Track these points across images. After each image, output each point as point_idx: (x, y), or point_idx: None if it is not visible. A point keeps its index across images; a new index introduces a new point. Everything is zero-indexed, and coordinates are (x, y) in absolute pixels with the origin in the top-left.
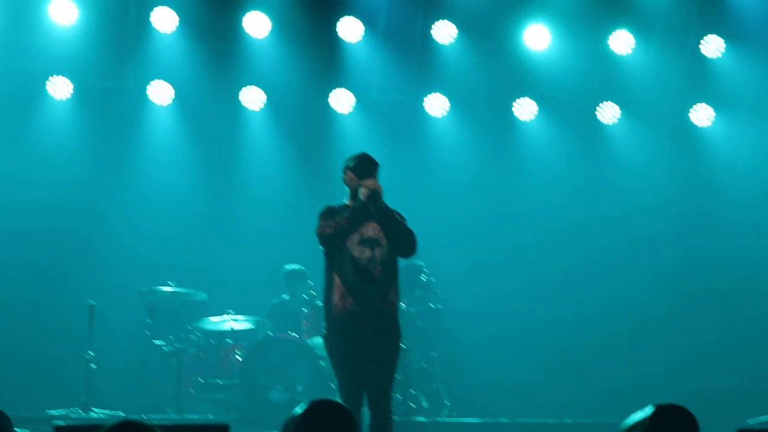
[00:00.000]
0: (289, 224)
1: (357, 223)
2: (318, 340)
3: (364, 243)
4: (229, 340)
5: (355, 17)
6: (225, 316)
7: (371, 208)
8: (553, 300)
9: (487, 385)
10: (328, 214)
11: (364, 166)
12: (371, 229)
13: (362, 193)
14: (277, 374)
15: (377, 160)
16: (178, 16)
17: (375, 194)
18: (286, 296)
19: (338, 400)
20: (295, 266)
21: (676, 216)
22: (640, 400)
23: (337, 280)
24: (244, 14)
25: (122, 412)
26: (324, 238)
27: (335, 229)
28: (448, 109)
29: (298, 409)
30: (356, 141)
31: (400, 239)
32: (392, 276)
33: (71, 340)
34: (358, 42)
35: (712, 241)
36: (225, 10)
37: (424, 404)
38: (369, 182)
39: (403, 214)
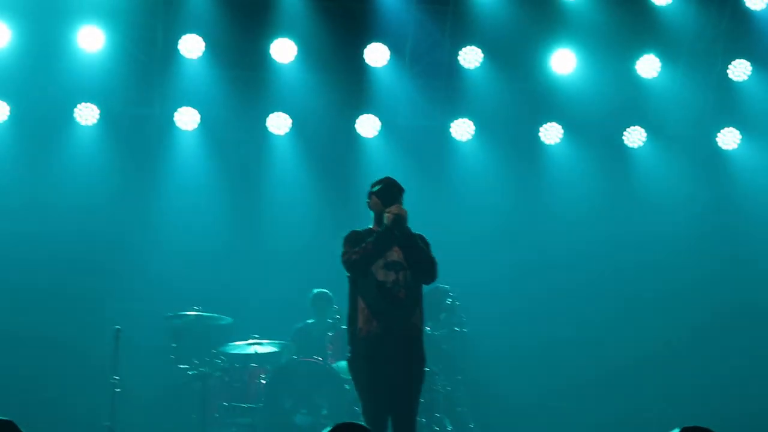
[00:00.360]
0: (314, 248)
1: (383, 249)
2: (343, 364)
3: (389, 267)
4: (254, 364)
5: (382, 43)
6: (250, 340)
7: (396, 233)
8: (579, 323)
9: (512, 409)
10: (354, 239)
11: (389, 191)
12: (396, 253)
13: (387, 218)
14: (302, 398)
15: (402, 186)
16: (205, 42)
17: (399, 219)
18: (310, 320)
19: (363, 423)
20: (321, 290)
21: (703, 239)
22: (667, 423)
23: (361, 304)
24: (270, 40)
25: None
26: (350, 264)
27: (361, 256)
28: (473, 133)
29: None
30: (382, 166)
31: (421, 266)
32: (417, 299)
33: (97, 364)
34: (384, 67)
35: (739, 264)
36: (251, 36)
37: (449, 428)
38: (393, 208)
39: (428, 239)
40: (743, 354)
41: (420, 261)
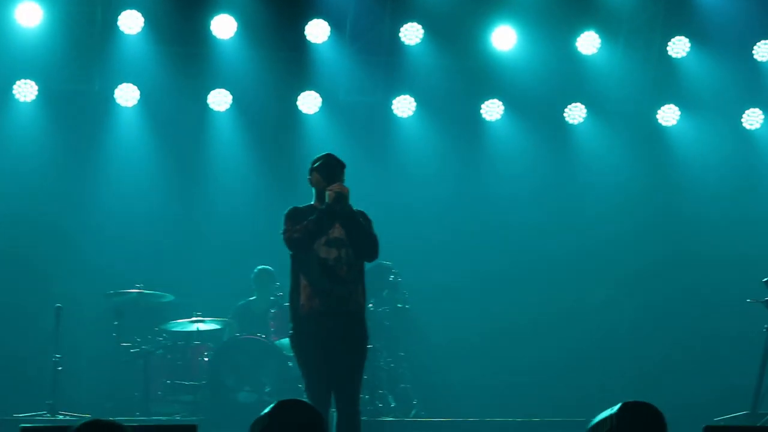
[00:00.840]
0: (256, 225)
1: (324, 227)
2: (286, 341)
3: (331, 244)
4: (197, 342)
5: (323, 19)
6: (192, 317)
7: (337, 211)
8: (521, 300)
9: (455, 385)
10: (295, 216)
11: (330, 167)
12: (338, 230)
13: (329, 196)
14: (245, 375)
15: (344, 161)
16: (144, 18)
17: (341, 197)
18: (252, 297)
19: (306, 400)
20: (263, 267)
21: (643, 214)
22: (608, 398)
23: (303, 281)
24: (210, 16)
25: (90, 414)
26: (292, 243)
27: (302, 233)
28: (414, 109)
29: (266, 410)
30: (323, 142)
31: (363, 244)
32: (359, 276)
33: (38, 342)
34: (324, 43)
35: (678, 239)
36: (191, 12)
37: (392, 404)
38: (335, 186)
39: (370, 215)
40: (687, 328)
41: (362, 239)
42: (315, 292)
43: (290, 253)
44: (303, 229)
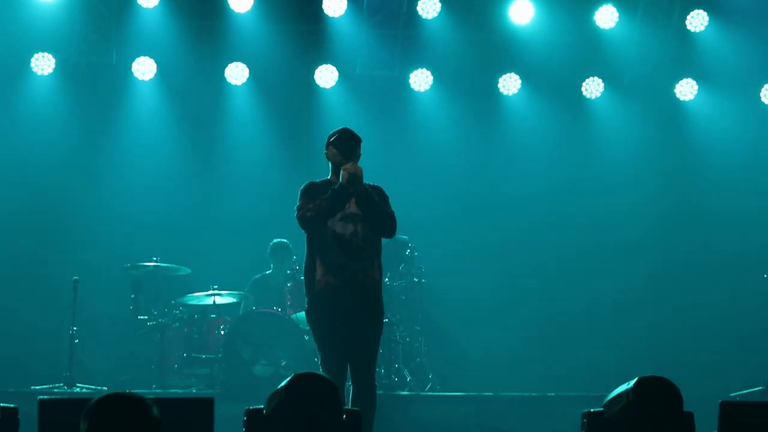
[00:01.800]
0: (273, 199)
1: (338, 206)
2: (302, 315)
3: (347, 219)
4: (213, 315)
5: None
6: (209, 291)
7: (351, 190)
8: (538, 275)
9: (471, 359)
10: (310, 191)
11: (346, 141)
12: (354, 205)
13: (342, 176)
14: (261, 349)
15: (359, 135)
16: None
17: (354, 178)
18: (268, 271)
19: (322, 374)
20: (280, 240)
21: (661, 190)
22: (624, 373)
23: (319, 256)
24: None
25: (106, 387)
26: (305, 222)
27: (315, 212)
28: (431, 83)
29: (283, 383)
30: (340, 116)
31: (379, 223)
32: (375, 251)
33: (55, 315)
34: (341, 17)
35: (696, 214)
36: None
37: (408, 378)
38: (349, 166)
39: (387, 190)
40: (703, 304)
41: (377, 218)
42: (330, 267)
43: None
44: (316, 208)
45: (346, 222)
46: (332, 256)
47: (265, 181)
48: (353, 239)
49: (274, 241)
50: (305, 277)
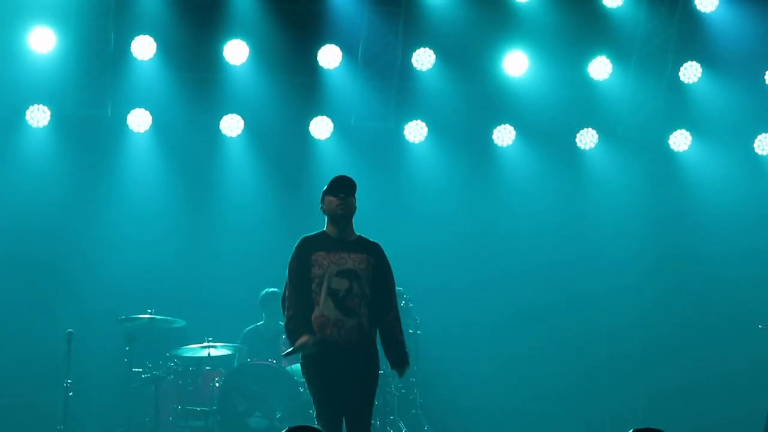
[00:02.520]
0: (267, 250)
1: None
2: (297, 367)
3: (342, 275)
4: (208, 367)
5: (334, 44)
6: (204, 343)
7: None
8: (533, 326)
9: (466, 411)
10: (304, 248)
11: (339, 183)
12: (350, 261)
13: (301, 340)
14: (256, 401)
15: (355, 182)
16: (157, 43)
17: (303, 349)
18: (260, 322)
19: (317, 426)
20: (271, 290)
21: (655, 240)
22: (619, 425)
23: (314, 311)
24: (223, 41)
25: None
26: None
27: (288, 335)
28: (426, 134)
29: None
30: (335, 167)
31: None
32: (369, 307)
33: (49, 368)
34: (336, 68)
35: (690, 263)
36: (204, 38)
37: (403, 430)
38: (307, 340)
39: (381, 241)
40: (697, 358)
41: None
42: (326, 323)
43: None
44: (291, 331)
45: (341, 278)
46: (327, 311)
47: (261, 233)
48: (348, 296)
49: (265, 290)
50: None
